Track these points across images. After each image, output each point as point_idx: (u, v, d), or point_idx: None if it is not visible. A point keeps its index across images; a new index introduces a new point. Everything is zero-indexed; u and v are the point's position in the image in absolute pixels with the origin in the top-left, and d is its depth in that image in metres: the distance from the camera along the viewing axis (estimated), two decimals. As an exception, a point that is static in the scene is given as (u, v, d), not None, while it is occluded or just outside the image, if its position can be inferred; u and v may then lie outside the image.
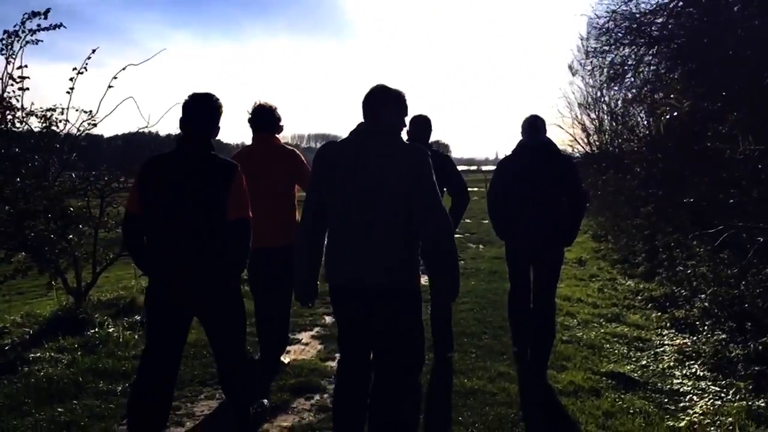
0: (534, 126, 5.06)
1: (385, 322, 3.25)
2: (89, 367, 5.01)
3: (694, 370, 5.19)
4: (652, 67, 12.24)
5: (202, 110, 3.53)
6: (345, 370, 3.46)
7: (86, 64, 6.27)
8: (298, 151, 5.00)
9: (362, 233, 3.16)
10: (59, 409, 4.24)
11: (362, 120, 3.37)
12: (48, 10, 5.98)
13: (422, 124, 5.24)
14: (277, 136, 4.97)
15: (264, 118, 4.89)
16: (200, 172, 3.42)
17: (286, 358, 5.31)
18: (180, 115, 3.50)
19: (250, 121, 4.93)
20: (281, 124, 4.97)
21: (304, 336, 6.21)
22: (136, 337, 5.81)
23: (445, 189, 4.94)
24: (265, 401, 4.17)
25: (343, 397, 3.43)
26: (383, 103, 3.30)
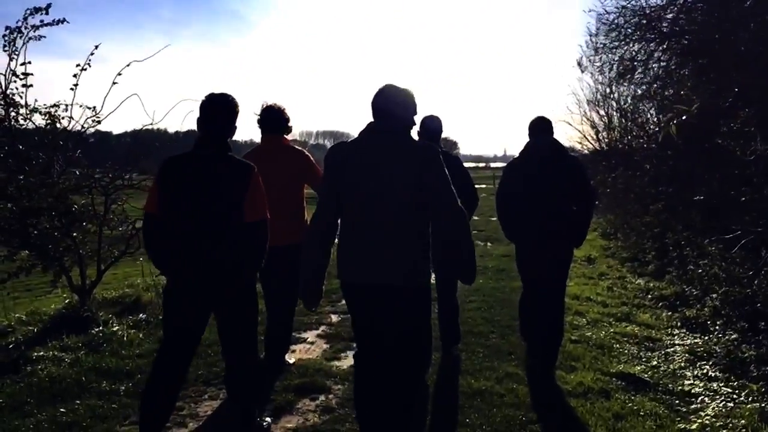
0: (541, 127, 5.09)
1: (395, 319, 3.25)
2: (92, 366, 4.97)
3: (705, 371, 5.10)
4: (662, 63, 12.09)
5: (219, 111, 3.56)
6: (362, 363, 3.47)
7: (89, 60, 6.24)
8: (306, 151, 5.02)
9: (374, 232, 3.18)
10: (61, 410, 4.20)
11: (372, 119, 3.36)
12: (49, 5, 5.94)
13: (433, 123, 5.26)
14: (285, 136, 5.00)
15: (273, 119, 4.91)
16: (218, 173, 3.45)
17: (291, 358, 5.27)
18: (195, 114, 3.55)
19: (259, 122, 4.95)
20: (290, 124, 5.00)
21: (310, 335, 6.15)
22: (141, 336, 5.78)
23: None
24: (269, 419, 4.12)
25: (362, 391, 3.44)
26: (393, 103, 3.30)
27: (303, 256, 3.39)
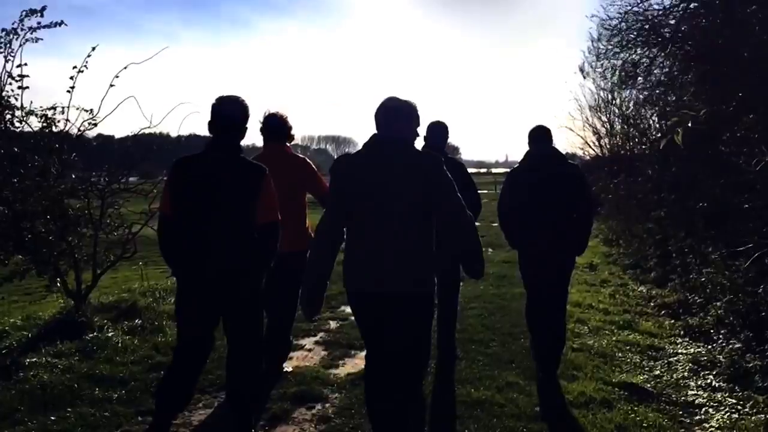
0: (540, 136, 5.10)
1: (402, 325, 3.29)
2: (85, 373, 4.88)
3: (709, 381, 5.02)
4: (664, 69, 12.03)
5: (230, 113, 3.60)
6: (372, 366, 3.48)
7: (86, 62, 6.16)
8: (308, 159, 5.08)
9: (381, 242, 3.22)
10: (52, 417, 4.11)
11: (375, 131, 3.40)
12: (44, 8, 5.86)
13: (439, 130, 5.31)
14: (288, 144, 5.05)
15: (275, 127, 4.95)
16: (230, 175, 3.50)
17: (288, 366, 5.19)
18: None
19: (261, 130, 5.01)
20: (292, 133, 5.07)
21: (308, 342, 6.07)
22: (135, 342, 5.69)
23: None
24: None
25: (372, 390, 3.45)
26: (396, 115, 3.36)
27: (308, 265, 3.43)
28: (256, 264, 3.58)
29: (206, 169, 3.51)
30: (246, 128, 3.69)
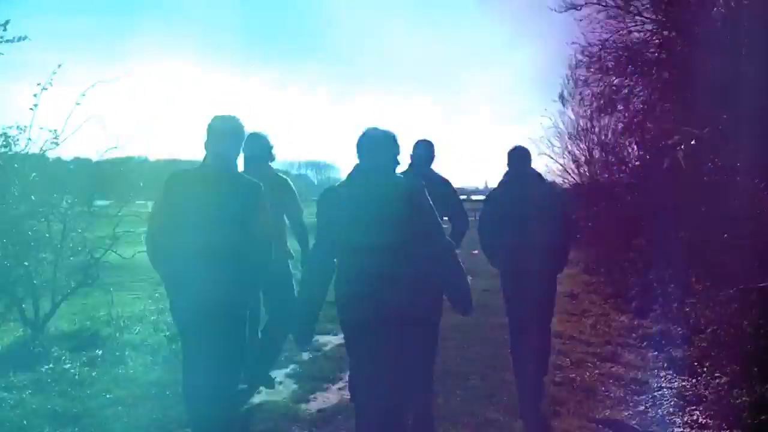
0: (518, 157, 5.06)
1: (394, 350, 3.29)
2: (37, 408, 4.56)
3: (695, 417, 4.84)
4: (641, 97, 12.05)
5: (227, 132, 3.62)
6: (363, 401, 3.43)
7: (51, 80, 5.93)
8: (290, 180, 5.07)
9: (372, 271, 3.23)
10: (-4, 459, 3.80)
11: (357, 161, 3.44)
12: (7, 22, 5.66)
13: (425, 148, 5.20)
14: (270, 164, 5.02)
15: (257, 147, 4.89)
16: (226, 191, 3.50)
17: (258, 397, 4.98)
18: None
19: (243, 150, 4.80)
20: (273, 152, 5.05)
21: (278, 374, 5.74)
22: (94, 374, 5.35)
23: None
24: None
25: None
26: (377, 145, 3.42)
27: (300, 296, 3.53)
28: (248, 280, 3.57)
29: (203, 185, 3.50)
30: (241, 145, 3.74)
